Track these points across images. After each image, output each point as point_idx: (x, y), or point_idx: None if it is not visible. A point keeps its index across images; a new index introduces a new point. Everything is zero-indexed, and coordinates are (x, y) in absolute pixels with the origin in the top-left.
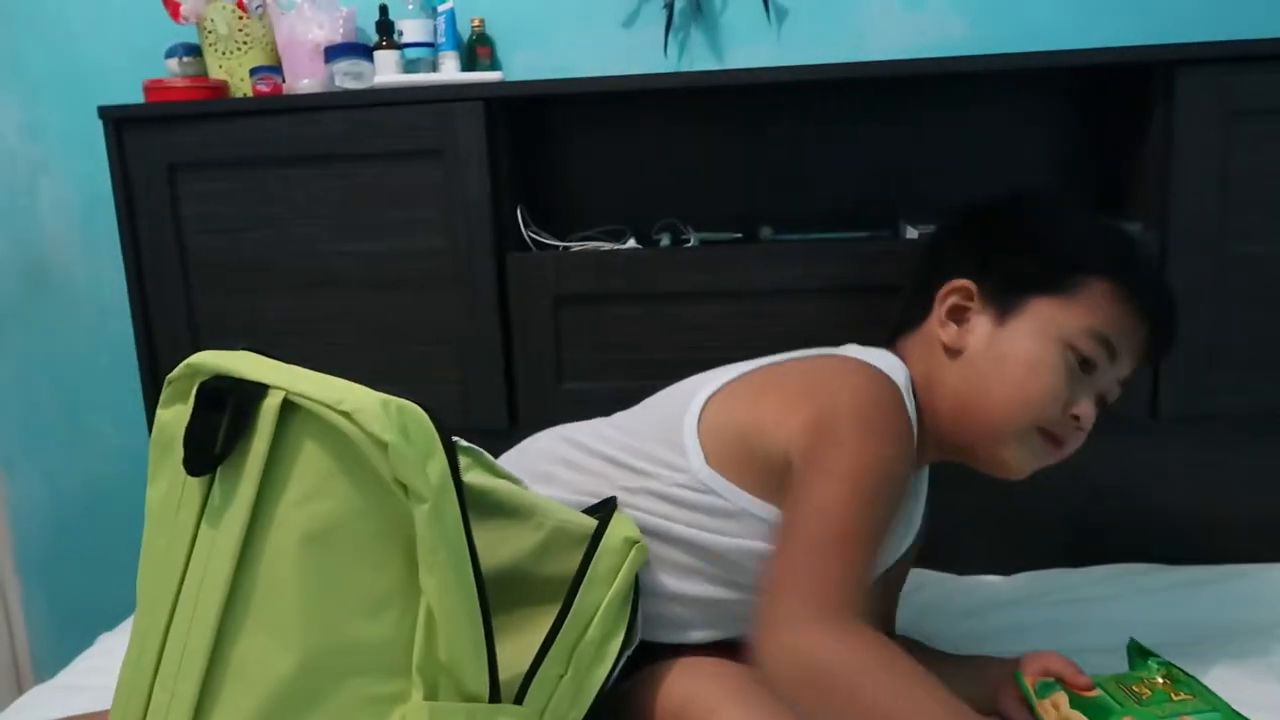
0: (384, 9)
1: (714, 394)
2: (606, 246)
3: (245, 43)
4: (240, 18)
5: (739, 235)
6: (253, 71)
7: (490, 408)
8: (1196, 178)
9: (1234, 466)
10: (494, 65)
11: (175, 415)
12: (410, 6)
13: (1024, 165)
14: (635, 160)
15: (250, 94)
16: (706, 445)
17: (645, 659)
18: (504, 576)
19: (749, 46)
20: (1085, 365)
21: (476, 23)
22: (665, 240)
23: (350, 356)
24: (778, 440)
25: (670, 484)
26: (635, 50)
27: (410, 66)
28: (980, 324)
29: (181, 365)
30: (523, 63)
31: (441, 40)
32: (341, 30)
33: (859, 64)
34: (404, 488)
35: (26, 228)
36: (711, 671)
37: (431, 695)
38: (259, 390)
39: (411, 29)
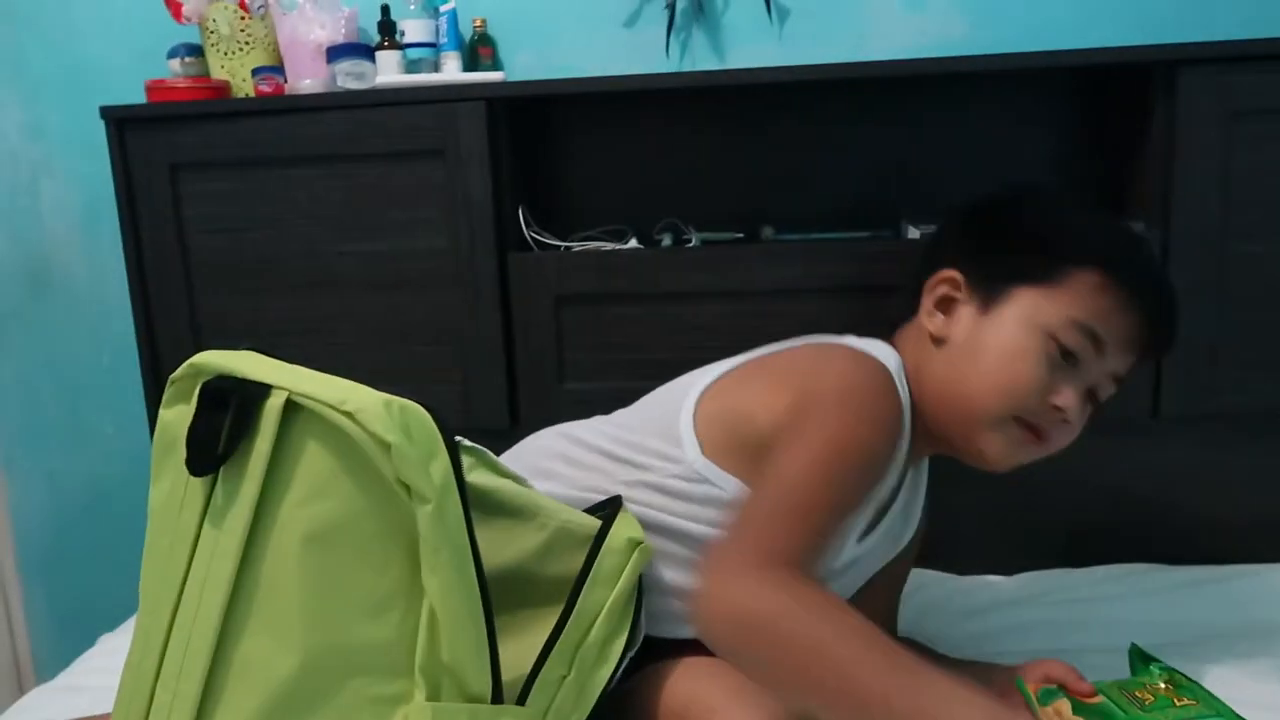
0: (386, 9)
1: (709, 386)
2: (608, 246)
3: (247, 43)
4: (242, 18)
5: (740, 235)
6: (255, 72)
7: (491, 408)
8: (1197, 177)
9: (1235, 466)
10: (496, 65)
11: (178, 415)
12: (412, 7)
13: (1025, 165)
14: (637, 160)
15: (252, 94)
16: (702, 435)
17: (646, 657)
18: (507, 577)
19: (750, 46)
20: (1068, 356)
21: (478, 23)
22: (667, 240)
23: (352, 356)
24: (765, 424)
25: (666, 475)
26: (637, 50)
27: (412, 67)
28: (965, 313)
29: (185, 365)
30: (524, 63)
31: (443, 40)
32: (343, 30)
33: (860, 64)
34: (407, 488)
35: (28, 228)
36: (713, 671)
37: (434, 696)
38: (262, 390)
39: (413, 29)
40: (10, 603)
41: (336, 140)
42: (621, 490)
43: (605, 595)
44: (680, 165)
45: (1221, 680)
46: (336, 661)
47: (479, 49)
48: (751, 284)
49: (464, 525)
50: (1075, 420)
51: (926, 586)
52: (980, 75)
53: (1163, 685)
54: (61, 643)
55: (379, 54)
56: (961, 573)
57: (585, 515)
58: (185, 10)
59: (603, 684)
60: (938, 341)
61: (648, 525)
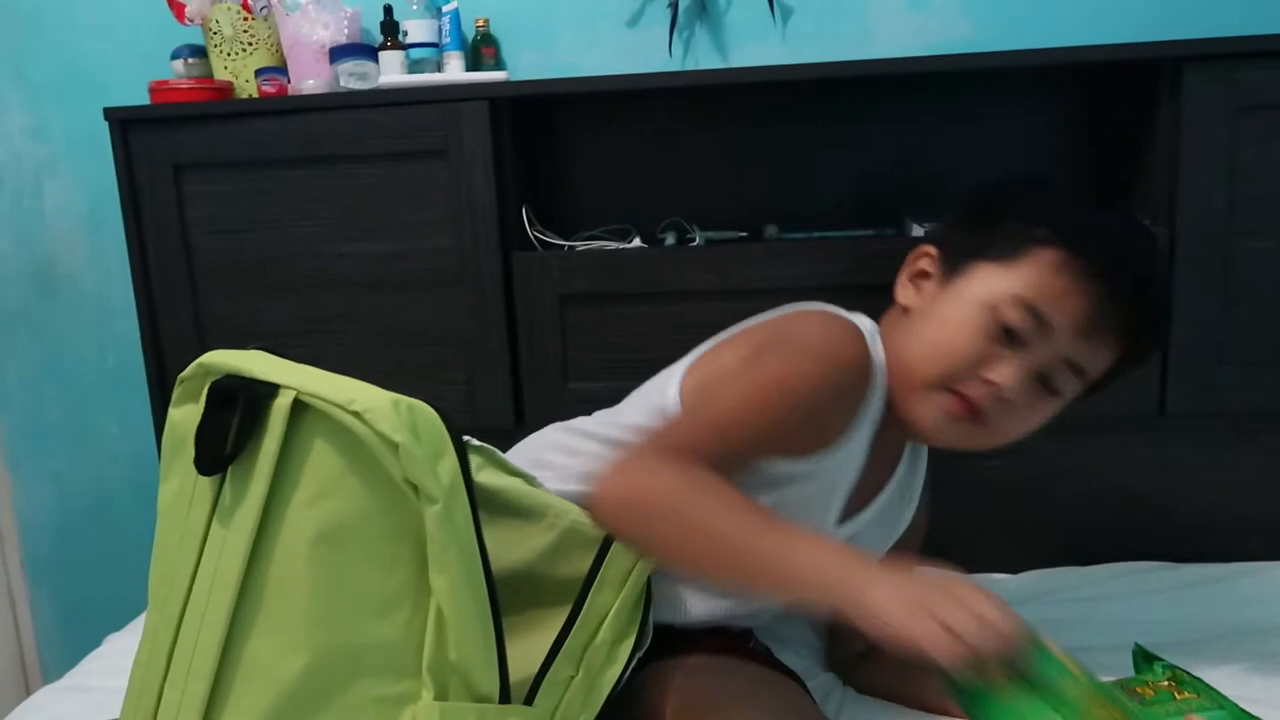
0: (388, 9)
1: (695, 360)
2: (612, 246)
3: (250, 44)
4: (245, 19)
5: (744, 234)
6: (258, 72)
7: (496, 407)
8: (1203, 174)
9: (1242, 464)
10: (498, 65)
11: (187, 414)
12: (415, 7)
13: (1029, 163)
14: (640, 159)
15: (255, 95)
16: (686, 405)
17: (649, 652)
18: (515, 577)
19: (754, 45)
20: (1010, 333)
21: (481, 23)
22: (670, 239)
23: (356, 357)
24: None
25: None
26: (640, 49)
27: (415, 67)
28: (930, 286)
29: (193, 364)
30: (527, 62)
31: (446, 40)
32: (346, 31)
33: (864, 62)
34: (414, 488)
35: (33, 229)
36: (715, 671)
37: (442, 695)
38: (270, 390)
39: (416, 29)
40: (16, 603)
41: (340, 141)
42: None
43: (614, 596)
44: (683, 164)
45: (1230, 678)
46: (344, 661)
47: (482, 49)
48: (755, 283)
49: (472, 525)
50: (1016, 400)
51: None
52: (984, 73)
53: (1165, 682)
54: (67, 643)
55: (382, 54)
56: (967, 571)
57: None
58: (188, 11)
59: (611, 685)
60: (905, 312)
61: None
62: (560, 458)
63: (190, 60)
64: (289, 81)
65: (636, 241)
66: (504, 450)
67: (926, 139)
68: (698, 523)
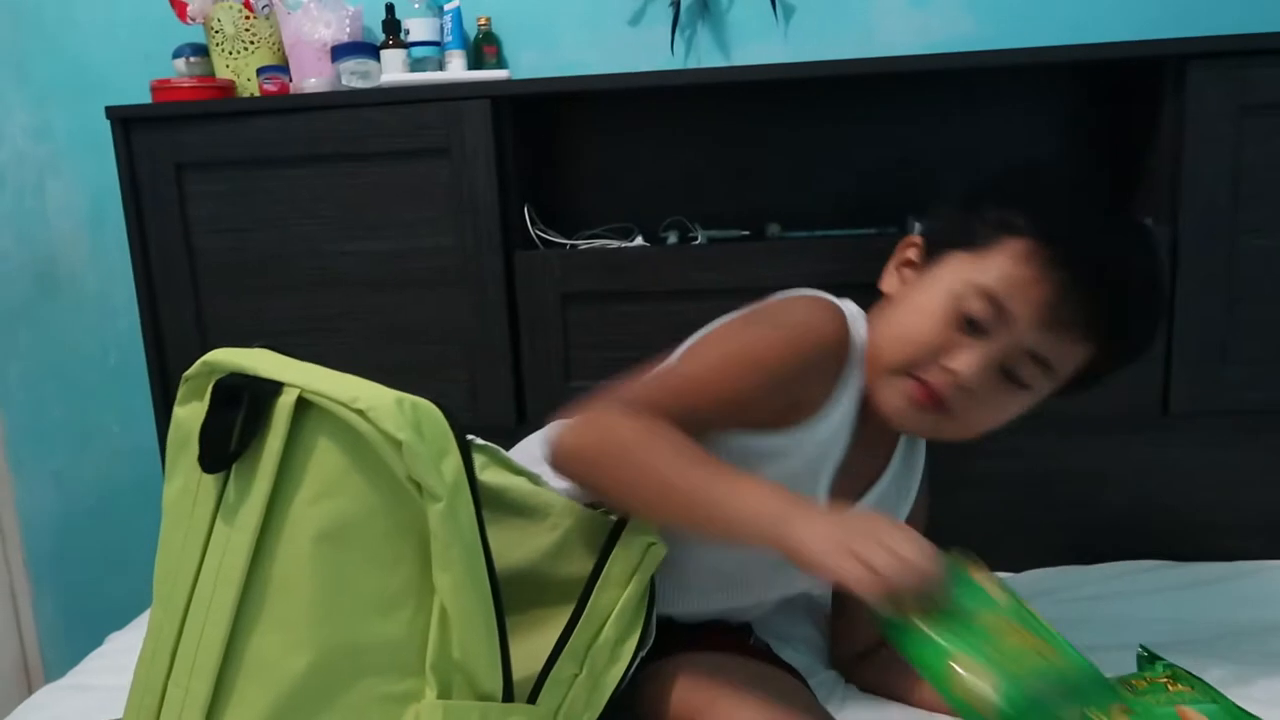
0: (390, 8)
1: (691, 344)
2: (614, 245)
3: (252, 42)
4: (247, 17)
5: (746, 233)
6: (259, 71)
7: (498, 406)
8: (1208, 172)
9: (1245, 463)
10: (500, 64)
11: (192, 412)
12: (416, 5)
13: (1032, 161)
14: (642, 158)
15: (257, 94)
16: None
17: (649, 653)
18: (519, 576)
19: (756, 44)
20: (972, 323)
21: (483, 21)
22: (672, 238)
23: (358, 355)
24: None
25: None
26: (642, 48)
27: (417, 65)
28: (910, 274)
29: (198, 363)
30: (529, 61)
31: (448, 39)
32: (348, 29)
33: (866, 60)
34: (418, 486)
35: (35, 228)
36: (717, 667)
37: (445, 694)
38: (274, 388)
39: (418, 28)
40: (19, 602)
41: (341, 139)
42: None
43: (617, 596)
44: (685, 163)
45: (1235, 677)
46: (347, 659)
47: (484, 47)
48: (758, 281)
49: (475, 523)
50: (975, 390)
51: None
52: (987, 71)
53: (1163, 679)
54: (69, 641)
55: (384, 53)
56: None
57: (598, 514)
58: (190, 10)
59: (614, 684)
60: (888, 300)
61: None
62: None
63: (192, 59)
64: (291, 80)
65: (639, 240)
66: (507, 449)
67: (929, 137)
68: (649, 466)
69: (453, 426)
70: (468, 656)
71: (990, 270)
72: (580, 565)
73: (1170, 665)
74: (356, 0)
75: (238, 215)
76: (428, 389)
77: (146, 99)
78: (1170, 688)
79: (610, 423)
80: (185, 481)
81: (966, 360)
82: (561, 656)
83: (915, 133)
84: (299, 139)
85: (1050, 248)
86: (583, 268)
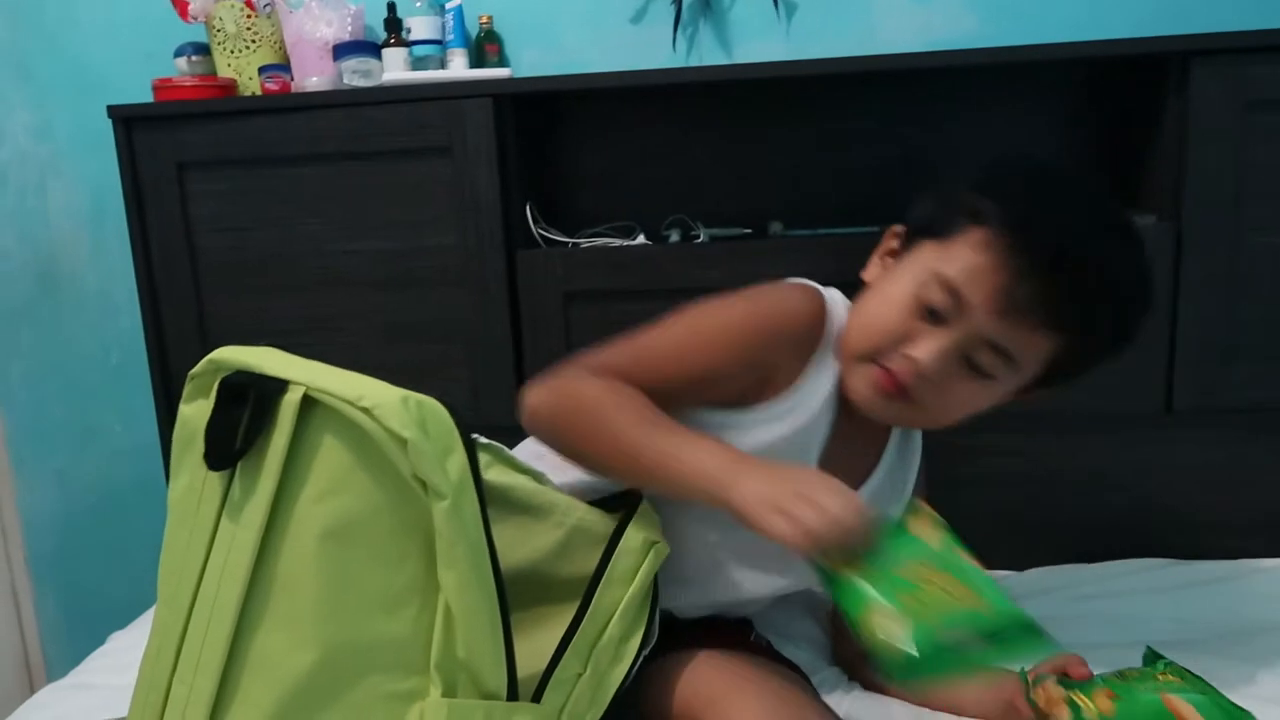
0: (392, 6)
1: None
2: (616, 243)
3: (254, 41)
4: (248, 16)
5: (749, 231)
6: (261, 70)
7: (500, 405)
8: (1211, 169)
9: (1249, 461)
10: (502, 62)
11: (197, 411)
12: (418, 4)
13: (1022, 153)
14: (644, 156)
15: (259, 92)
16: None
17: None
18: (523, 575)
19: (758, 41)
20: (931, 311)
21: (484, 19)
22: (675, 237)
23: (360, 355)
24: None
25: None
26: (644, 46)
27: (418, 64)
28: (891, 263)
29: (204, 360)
30: (531, 59)
31: (450, 37)
32: (350, 28)
33: (869, 58)
34: (423, 484)
35: (36, 228)
36: (717, 664)
37: (450, 692)
38: (279, 386)
39: (420, 26)
40: (20, 601)
41: (343, 138)
42: None
43: (621, 594)
44: (688, 161)
45: (1238, 675)
46: (352, 657)
47: (485, 46)
48: (760, 280)
49: (480, 521)
50: (934, 378)
51: None
52: (990, 69)
53: (1159, 673)
54: (71, 641)
55: (385, 51)
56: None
57: (602, 514)
58: (192, 9)
59: (618, 683)
60: (865, 287)
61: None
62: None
63: (194, 58)
64: (292, 79)
65: (641, 239)
66: (510, 447)
67: (931, 135)
68: (607, 425)
69: (458, 425)
70: (472, 655)
71: (954, 259)
72: (583, 563)
73: (1170, 662)
74: None
75: (239, 214)
76: (430, 388)
77: (148, 98)
78: (1160, 678)
79: (574, 384)
80: (190, 479)
81: (926, 349)
82: (566, 655)
83: (917, 131)
84: (300, 138)
85: (1008, 235)
86: (585, 266)
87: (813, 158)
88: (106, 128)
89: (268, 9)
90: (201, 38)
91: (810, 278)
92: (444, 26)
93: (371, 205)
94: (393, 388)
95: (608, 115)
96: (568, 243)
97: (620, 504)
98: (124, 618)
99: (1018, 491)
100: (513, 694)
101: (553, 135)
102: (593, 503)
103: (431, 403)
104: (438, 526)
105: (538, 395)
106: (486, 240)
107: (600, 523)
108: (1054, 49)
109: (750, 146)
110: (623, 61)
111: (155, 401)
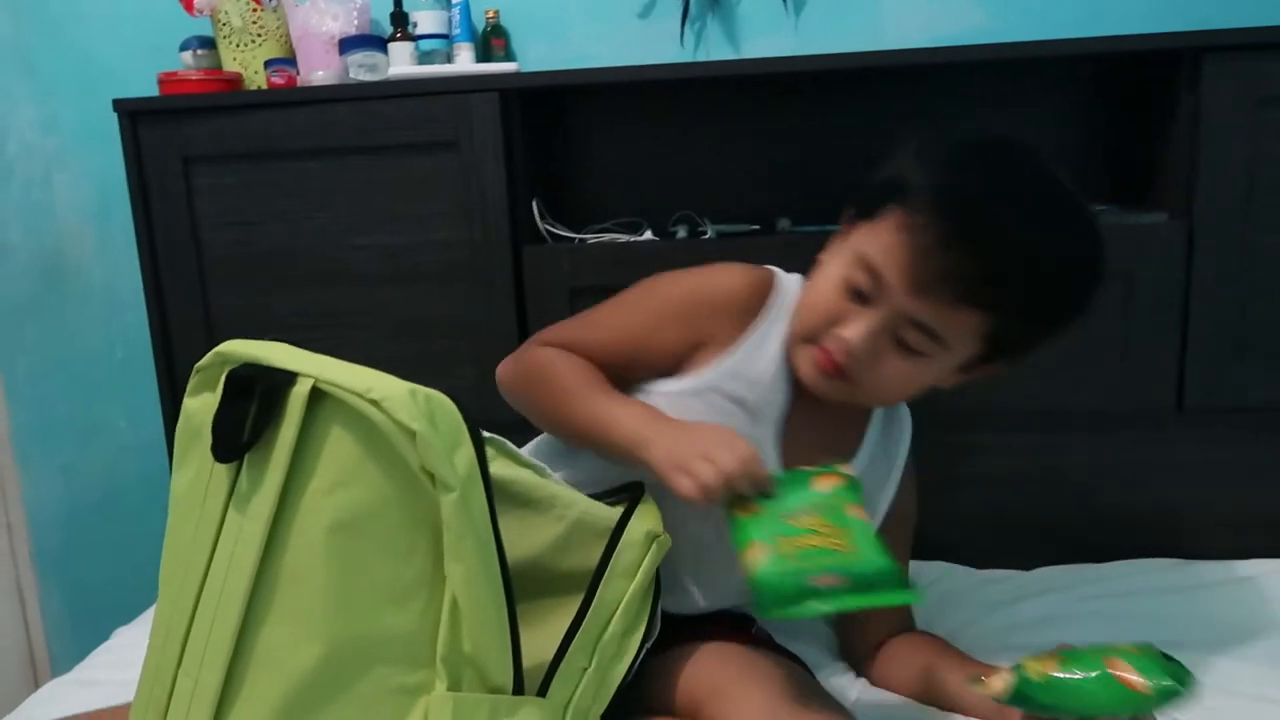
0: (398, 0)
1: None
2: (623, 239)
3: (259, 35)
4: (254, 10)
5: (756, 227)
6: (267, 64)
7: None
8: (1223, 166)
9: (1260, 460)
10: (509, 56)
11: (203, 404)
12: None
13: (1045, 154)
14: (651, 152)
15: (264, 86)
16: None
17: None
18: (525, 568)
19: (766, 36)
20: (857, 292)
21: (491, 14)
22: (682, 233)
23: (366, 349)
24: None
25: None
26: (651, 41)
27: (425, 58)
28: (835, 244)
29: (210, 353)
30: (537, 54)
31: (456, 32)
32: (356, 22)
33: (877, 53)
34: (431, 476)
35: (42, 222)
36: (719, 656)
37: (455, 686)
38: (288, 378)
39: (426, 20)
40: (25, 596)
41: (349, 132)
42: None
43: (623, 588)
44: (695, 156)
45: (1246, 675)
46: (359, 650)
47: (492, 40)
48: None
49: (488, 515)
50: (864, 358)
51: (944, 579)
52: (997, 65)
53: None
54: (76, 636)
55: (391, 45)
56: (979, 566)
57: (604, 507)
58: (197, 3)
59: (621, 677)
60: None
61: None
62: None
63: (199, 52)
64: (298, 73)
65: (648, 234)
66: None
67: (941, 131)
68: (552, 388)
69: (466, 418)
70: (479, 649)
71: (876, 239)
72: (586, 557)
73: (1168, 657)
74: None
75: (245, 209)
76: (436, 383)
77: (153, 92)
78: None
79: (530, 354)
80: (196, 472)
81: (854, 329)
82: (571, 649)
83: (925, 126)
84: (306, 132)
85: (921, 213)
86: (591, 262)
87: (820, 153)
88: (112, 122)
89: (273, 3)
90: (207, 31)
91: None
92: (450, 21)
93: (378, 200)
94: (401, 381)
95: (615, 110)
96: (574, 238)
97: (623, 497)
98: (129, 613)
99: (1024, 490)
100: (518, 688)
101: (559, 130)
102: (595, 496)
103: (439, 396)
104: (445, 520)
105: (504, 366)
106: (493, 235)
107: (602, 516)
108: (1062, 45)
109: (758, 142)
110: (630, 56)
111: (161, 397)
